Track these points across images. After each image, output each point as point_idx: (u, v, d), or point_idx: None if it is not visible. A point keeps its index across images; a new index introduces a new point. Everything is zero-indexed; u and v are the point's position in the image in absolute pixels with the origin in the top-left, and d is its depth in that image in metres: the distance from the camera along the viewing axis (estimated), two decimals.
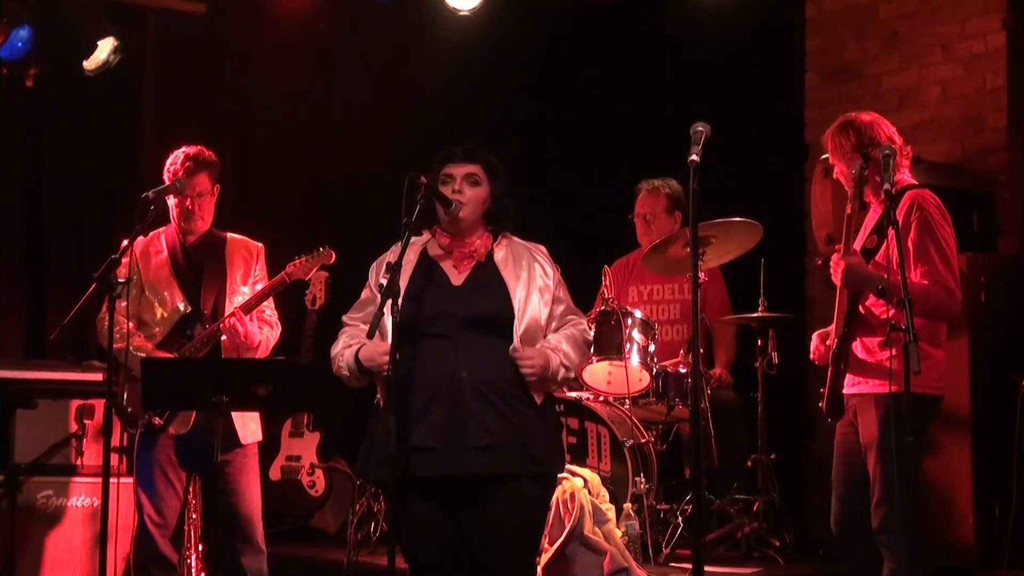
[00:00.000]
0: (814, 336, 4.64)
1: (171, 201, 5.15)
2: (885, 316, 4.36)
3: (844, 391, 4.42)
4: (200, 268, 5.19)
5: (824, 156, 6.17)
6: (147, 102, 7.34)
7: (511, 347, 3.86)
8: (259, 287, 5.23)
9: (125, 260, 4.99)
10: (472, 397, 3.82)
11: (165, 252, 5.20)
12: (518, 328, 3.90)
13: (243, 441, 5.08)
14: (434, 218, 4.05)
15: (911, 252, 4.40)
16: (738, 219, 5.82)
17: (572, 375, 3.99)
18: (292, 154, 7.70)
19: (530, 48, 7.64)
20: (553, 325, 4.00)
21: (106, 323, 4.92)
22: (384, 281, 3.84)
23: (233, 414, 4.98)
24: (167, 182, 5.12)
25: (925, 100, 6.43)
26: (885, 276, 4.31)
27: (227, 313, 5.12)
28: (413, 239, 4.04)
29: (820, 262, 6.28)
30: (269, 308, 5.25)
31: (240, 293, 5.19)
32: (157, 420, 5.00)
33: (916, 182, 4.57)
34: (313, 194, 7.74)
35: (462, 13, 7.15)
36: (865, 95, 6.73)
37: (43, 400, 5.80)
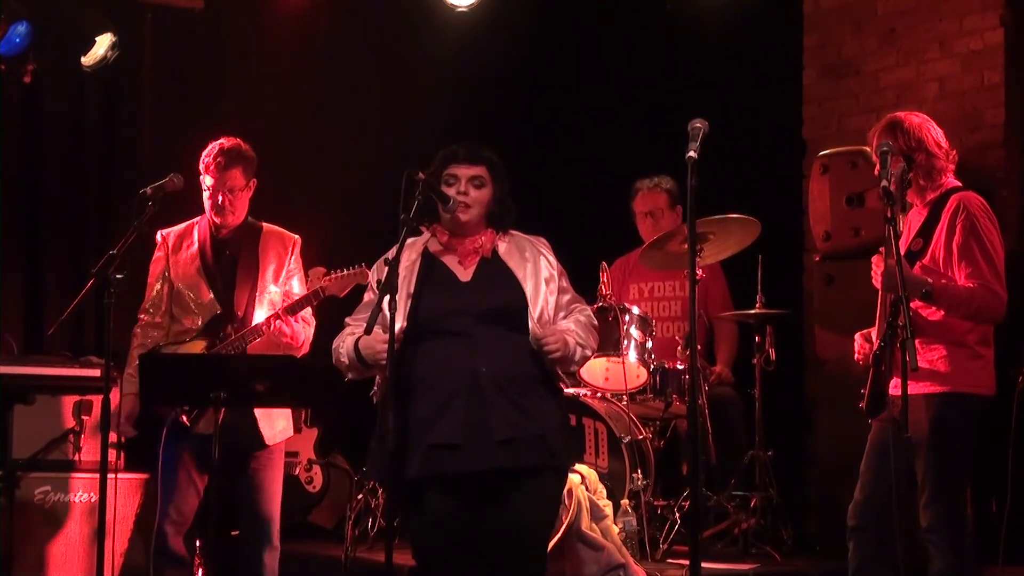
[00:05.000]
0: (858, 336, 4.64)
1: (205, 192, 5.10)
2: (933, 319, 4.38)
3: (890, 392, 4.33)
4: (233, 265, 5.14)
5: (823, 152, 6.24)
6: (145, 98, 7.33)
7: (531, 334, 3.89)
8: (294, 280, 5.18)
9: (159, 255, 5.08)
10: (493, 392, 3.84)
11: (196, 246, 5.16)
12: (533, 315, 3.93)
13: (269, 442, 5.05)
14: (434, 215, 4.05)
15: (955, 254, 4.42)
16: (736, 215, 5.82)
17: (589, 354, 4.06)
18: (291, 150, 7.69)
19: (528, 44, 7.64)
20: (561, 315, 4.04)
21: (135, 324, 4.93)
22: (382, 278, 3.85)
23: (257, 414, 4.97)
24: (202, 173, 5.09)
25: (923, 96, 6.43)
26: (929, 280, 4.33)
27: (255, 310, 5.08)
28: (412, 239, 4.05)
29: (818, 258, 6.30)
30: None
31: (269, 292, 5.13)
32: (184, 419, 4.98)
33: (960, 184, 4.58)
34: (311, 190, 7.73)
35: (460, 9, 7.15)
36: (863, 91, 6.74)
37: (41, 396, 5.81)
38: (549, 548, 5.08)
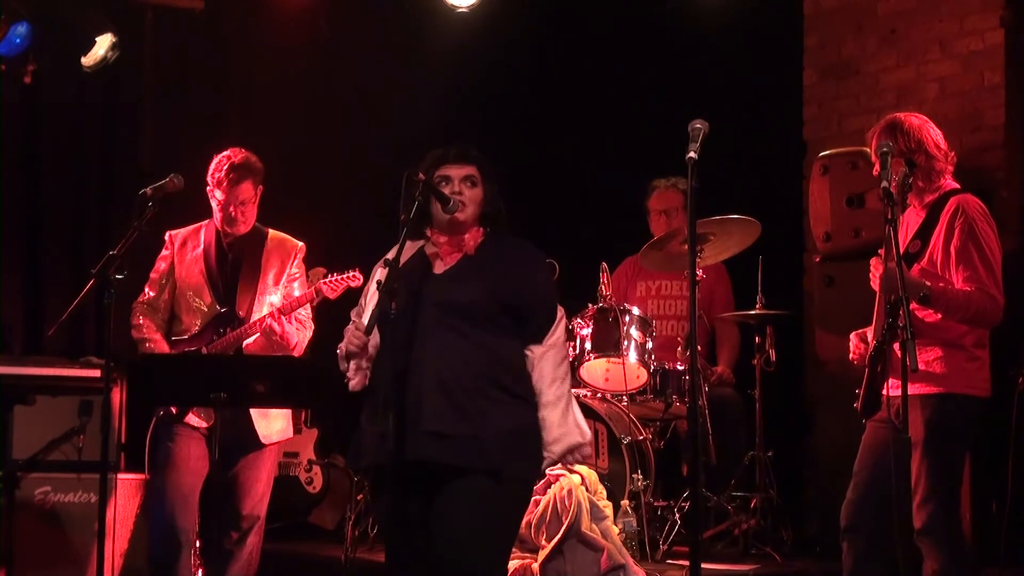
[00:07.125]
0: (852, 336, 4.63)
1: (214, 202, 5.17)
2: (930, 321, 4.38)
3: (887, 392, 4.32)
4: (236, 270, 5.20)
5: (823, 153, 6.23)
6: (145, 98, 7.33)
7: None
8: (295, 284, 5.24)
9: (166, 253, 5.14)
10: (431, 386, 3.78)
11: (200, 249, 5.22)
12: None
13: (265, 442, 5.10)
14: (430, 217, 4.04)
15: (953, 257, 4.41)
16: (736, 216, 5.83)
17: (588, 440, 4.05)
18: (291, 150, 7.68)
19: (528, 44, 7.64)
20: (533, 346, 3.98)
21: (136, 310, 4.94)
22: (381, 278, 3.85)
23: (252, 413, 4.99)
24: (211, 186, 5.14)
25: (923, 97, 6.43)
26: (927, 284, 4.32)
27: (255, 314, 5.12)
28: (412, 243, 4.04)
29: (818, 259, 6.30)
30: (304, 309, 5.23)
31: (271, 293, 5.19)
32: (173, 408, 5.01)
33: (959, 186, 4.57)
34: (311, 189, 7.73)
35: (460, 10, 7.15)
36: (863, 92, 6.74)
37: (41, 396, 5.80)
38: (549, 549, 5.11)
